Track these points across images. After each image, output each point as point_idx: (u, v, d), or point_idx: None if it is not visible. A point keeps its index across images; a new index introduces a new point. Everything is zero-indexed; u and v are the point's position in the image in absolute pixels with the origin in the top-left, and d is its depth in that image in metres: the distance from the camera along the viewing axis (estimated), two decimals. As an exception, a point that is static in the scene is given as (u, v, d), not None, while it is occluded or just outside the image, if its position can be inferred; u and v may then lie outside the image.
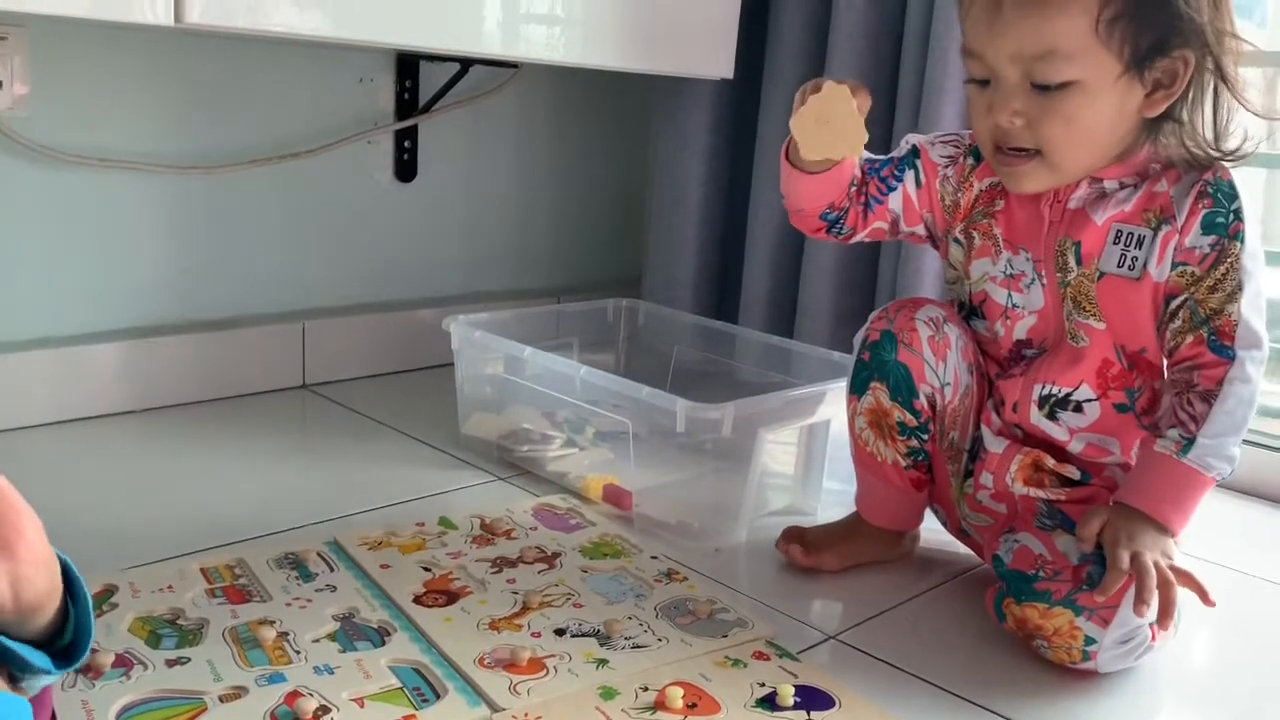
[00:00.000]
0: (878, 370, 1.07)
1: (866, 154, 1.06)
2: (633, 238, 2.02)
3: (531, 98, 1.85)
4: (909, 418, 1.06)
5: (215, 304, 1.56)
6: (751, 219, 1.72)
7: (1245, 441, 1.41)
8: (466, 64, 1.65)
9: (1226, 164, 0.94)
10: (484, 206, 1.83)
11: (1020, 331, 1.03)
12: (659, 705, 0.82)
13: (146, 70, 1.43)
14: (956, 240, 1.07)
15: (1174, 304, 0.94)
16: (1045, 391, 1.00)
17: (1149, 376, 0.99)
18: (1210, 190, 0.93)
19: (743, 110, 1.76)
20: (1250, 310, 0.92)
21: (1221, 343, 0.92)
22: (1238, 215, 0.92)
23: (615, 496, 1.22)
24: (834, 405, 1.18)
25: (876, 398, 1.07)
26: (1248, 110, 0.93)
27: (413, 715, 0.79)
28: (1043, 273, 1.00)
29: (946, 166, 1.06)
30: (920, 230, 1.09)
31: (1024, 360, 1.03)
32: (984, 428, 1.05)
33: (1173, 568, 0.87)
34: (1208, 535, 1.21)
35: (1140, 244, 0.95)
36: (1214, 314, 0.92)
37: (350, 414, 1.52)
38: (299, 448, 1.39)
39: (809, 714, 0.82)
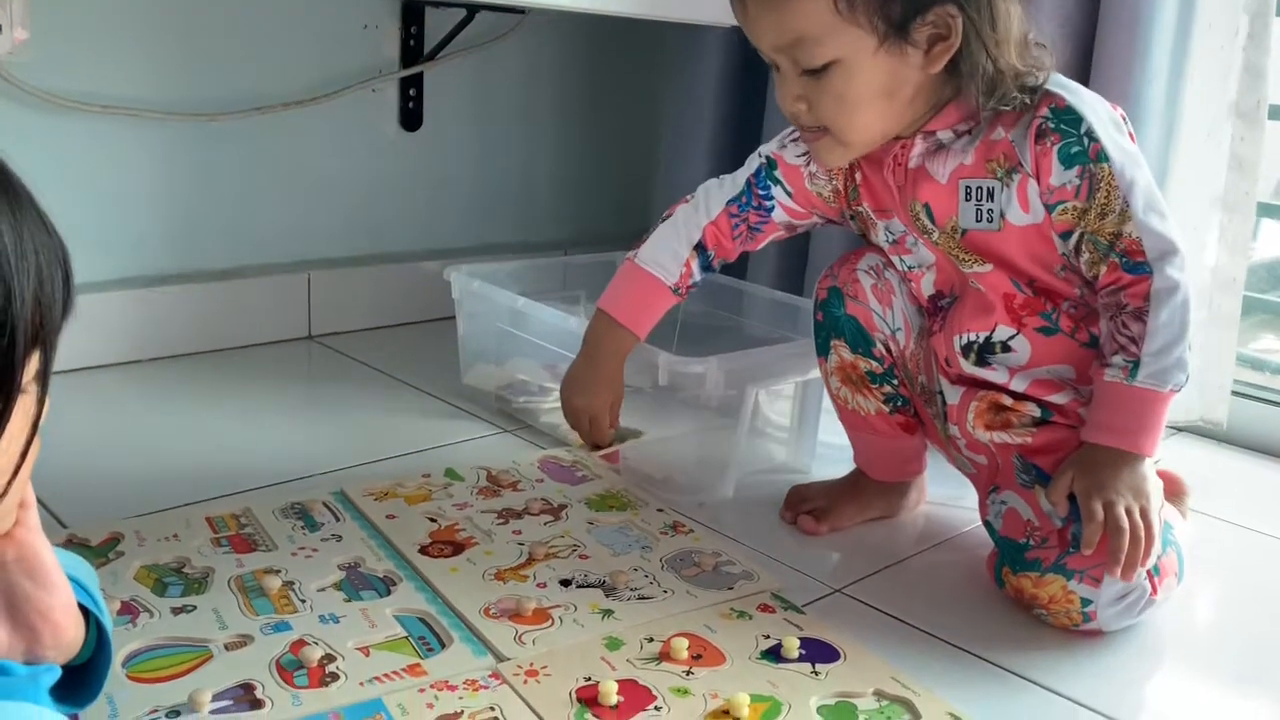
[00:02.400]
0: (832, 328, 1.08)
1: (724, 191, 1.09)
2: (641, 189, 1.99)
3: (539, 44, 1.82)
4: (874, 365, 1.07)
5: (219, 254, 1.55)
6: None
7: (1244, 396, 1.43)
8: (472, 9, 1.62)
9: (1054, 91, 0.91)
10: (490, 156, 1.81)
11: (928, 287, 1.04)
12: (664, 656, 0.82)
13: (148, 16, 1.41)
14: (853, 220, 1.08)
15: (1072, 240, 0.92)
16: (965, 340, 0.99)
17: (1058, 297, 0.97)
18: (1051, 125, 0.90)
19: (754, 59, 1.72)
20: (1148, 218, 0.90)
21: (1134, 261, 0.90)
22: (1091, 136, 0.90)
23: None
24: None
25: (840, 354, 1.08)
26: (1036, 43, 0.92)
27: (418, 664, 0.79)
28: (916, 233, 1.00)
29: (808, 164, 1.06)
30: (819, 221, 1.10)
31: (941, 312, 1.03)
32: (940, 379, 1.04)
33: (1144, 512, 0.86)
34: (1211, 491, 1.21)
35: (991, 196, 0.94)
36: (1115, 238, 0.90)
37: (356, 365, 1.52)
38: (304, 399, 1.38)
39: (814, 666, 0.82)
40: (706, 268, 1.11)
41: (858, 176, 1.03)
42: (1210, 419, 1.39)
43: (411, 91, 1.68)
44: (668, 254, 1.10)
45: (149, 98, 1.42)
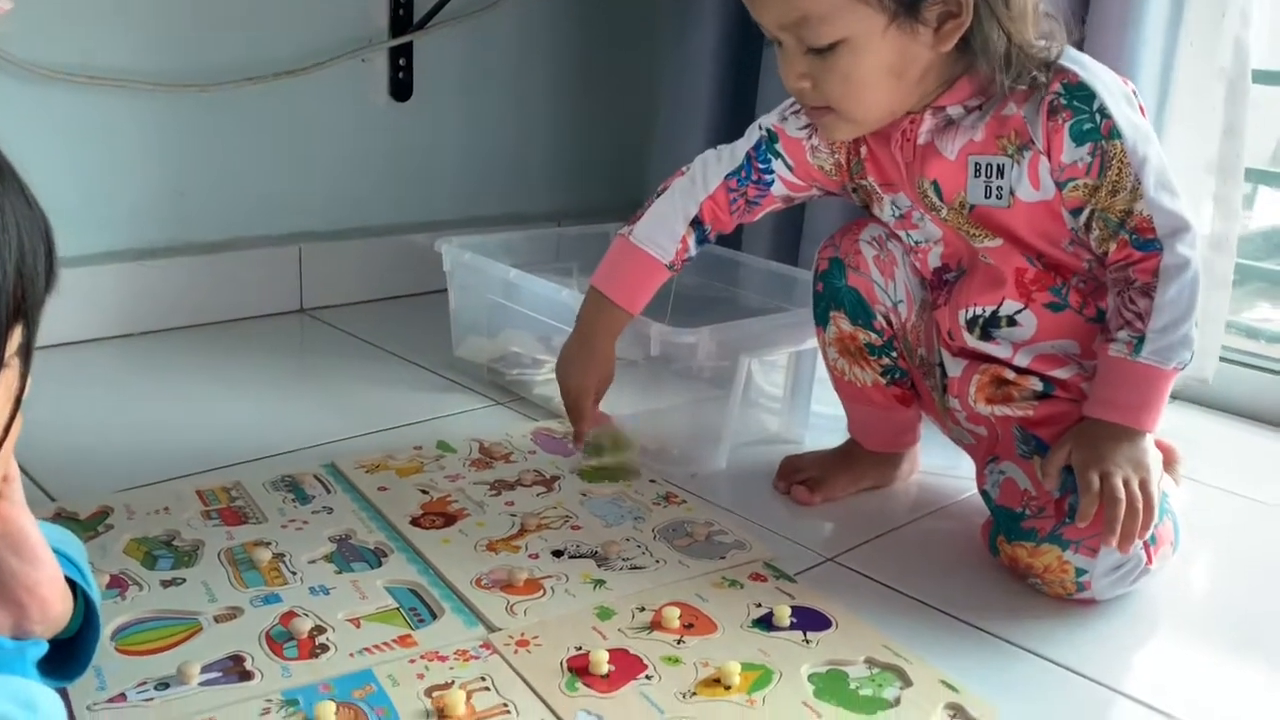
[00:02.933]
0: (832, 299, 1.07)
1: (723, 165, 1.07)
2: (636, 159, 1.98)
3: (530, 13, 1.80)
4: (874, 337, 1.06)
5: (209, 226, 1.53)
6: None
7: (1244, 365, 1.43)
8: (462, -22, 1.60)
9: (1067, 66, 0.90)
10: (482, 127, 1.80)
11: (934, 260, 1.02)
12: (655, 625, 0.82)
13: (132, -16, 1.39)
14: (854, 193, 1.06)
15: (1082, 216, 0.91)
16: (970, 314, 0.98)
17: (1066, 272, 0.96)
18: (1063, 101, 0.89)
19: (751, 27, 1.70)
20: (1159, 196, 0.88)
21: (1144, 239, 0.89)
22: (1103, 113, 0.88)
23: (597, 421, 1.20)
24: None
25: (839, 325, 1.07)
26: (1046, 14, 0.90)
27: (409, 635, 0.79)
28: (923, 209, 0.99)
29: (810, 137, 1.04)
30: (817, 193, 1.09)
31: (946, 285, 1.02)
32: (942, 351, 1.03)
33: (1144, 485, 0.86)
34: (1208, 459, 1.21)
35: (1001, 173, 0.93)
36: (1125, 216, 0.89)
37: (348, 338, 1.51)
38: (296, 372, 1.38)
39: (805, 634, 0.82)
40: (702, 241, 1.09)
41: (863, 151, 1.01)
42: (1197, 377, 1.39)
43: (401, 61, 1.66)
44: (664, 232, 1.08)
45: (136, 68, 1.41)
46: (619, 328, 1.10)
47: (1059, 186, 0.91)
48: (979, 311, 0.98)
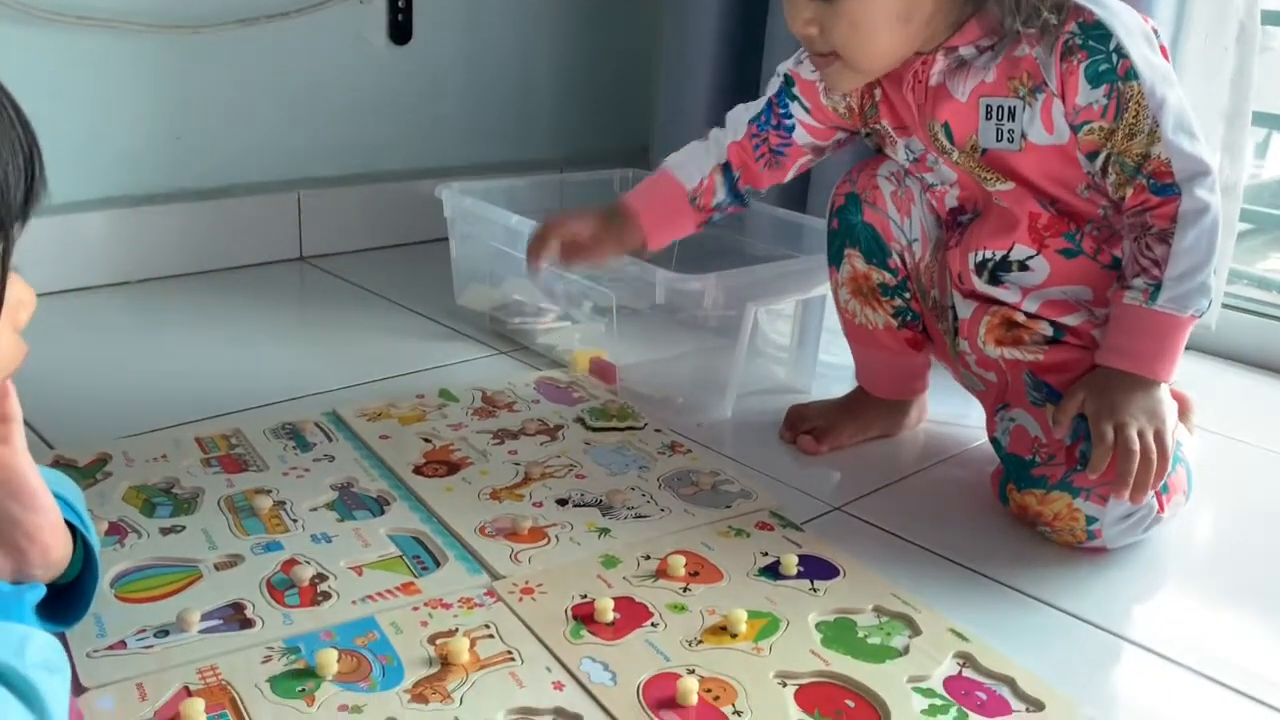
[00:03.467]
0: (847, 235, 1.05)
1: (749, 110, 1.07)
2: (640, 105, 1.94)
3: (532, -45, 1.76)
4: (887, 277, 1.04)
5: (207, 172, 1.51)
6: (764, 86, 1.65)
7: (1254, 313, 1.41)
8: (462, -84, 1.56)
9: (1084, 4, 0.87)
10: (483, 71, 1.76)
11: (950, 201, 1.01)
12: (661, 573, 0.81)
13: (123, -79, 1.35)
14: (868, 137, 1.05)
15: (1098, 161, 0.89)
16: (980, 258, 0.97)
17: (1080, 219, 0.94)
18: (1079, 42, 0.86)
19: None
20: (1178, 139, 0.86)
21: (1162, 183, 0.87)
22: (1120, 53, 0.86)
23: (601, 370, 1.19)
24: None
25: (852, 264, 1.05)
26: None
27: (412, 583, 0.78)
28: (935, 152, 0.98)
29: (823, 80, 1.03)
30: (843, 138, 1.07)
31: (960, 227, 1.00)
32: (953, 294, 1.01)
33: (1158, 435, 0.84)
34: (1218, 408, 1.19)
35: (1013, 115, 0.91)
36: (1143, 160, 0.87)
37: (348, 286, 1.49)
38: (296, 320, 1.36)
39: (813, 583, 0.81)
40: (733, 191, 1.08)
41: (876, 94, 1.00)
42: (1201, 323, 1.38)
43: (401, 3, 1.62)
44: (693, 165, 1.08)
45: (128, 9, 1.37)
46: (623, 227, 1.05)
47: (1074, 130, 0.89)
48: (988, 255, 0.96)
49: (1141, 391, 0.87)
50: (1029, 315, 0.96)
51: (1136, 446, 0.83)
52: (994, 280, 0.96)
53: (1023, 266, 0.95)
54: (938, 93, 0.93)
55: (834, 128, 1.06)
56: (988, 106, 0.92)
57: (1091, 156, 0.90)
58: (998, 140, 0.92)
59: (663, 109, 1.77)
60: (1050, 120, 0.89)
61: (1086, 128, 0.88)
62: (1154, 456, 0.84)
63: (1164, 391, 0.88)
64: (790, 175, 1.09)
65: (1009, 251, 0.95)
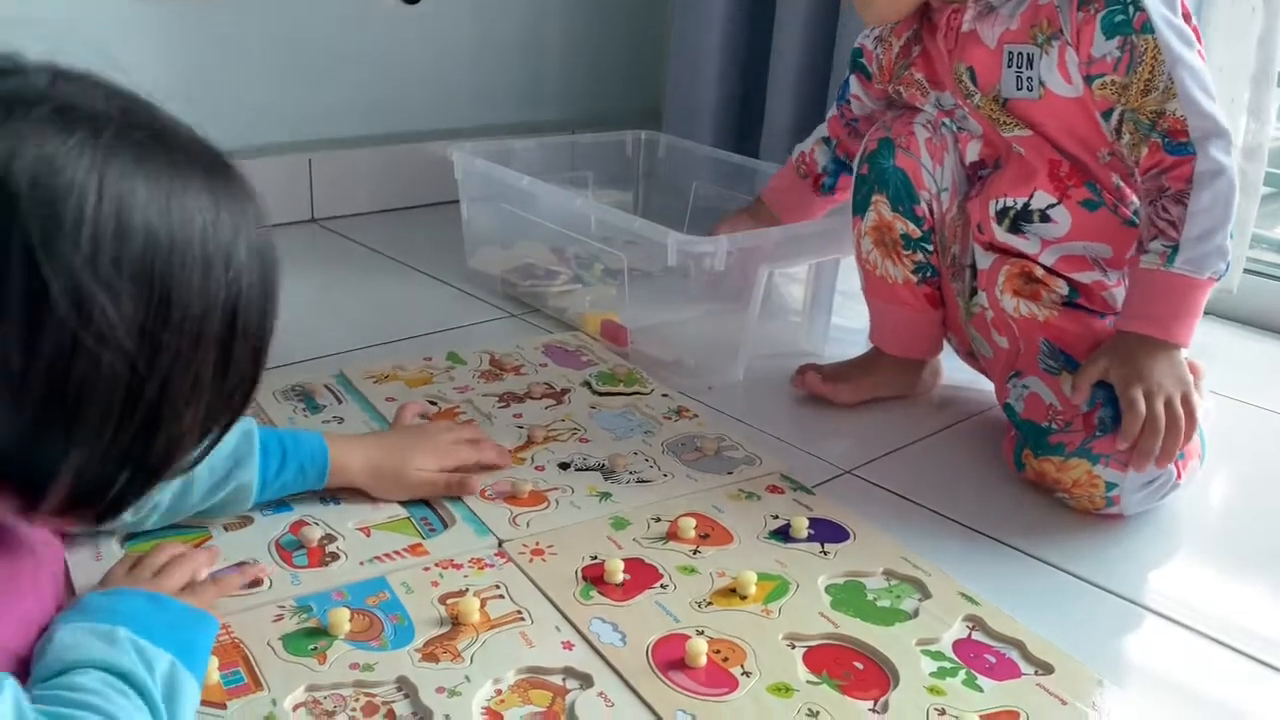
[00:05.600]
0: (877, 180, 1.04)
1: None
2: (651, 67, 1.92)
3: (543, -88, 1.73)
4: (912, 228, 1.03)
5: (217, 133, 1.47)
6: (776, 46, 1.63)
7: (1272, 278, 1.39)
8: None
9: None
10: (494, 31, 1.74)
11: (972, 154, 1.01)
12: (671, 536, 0.81)
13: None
14: (897, 95, 1.07)
15: (1113, 119, 0.88)
16: (1000, 206, 0.96)
17: (1104, 175, 0.93)
18: None
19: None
20: (1195, 95, 0.85)
21: (1176, 142, 0.85)
22: (1137, 6, 0.85)
23: (613, 333, 1.19)
24: (844, 242, 1.12)
25: (879, 212, 1.04)
26: None
27: (419, 544, 0.78)
28: (960, 98, 0.98)
29: (876, 46, 1.07)
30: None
31: (980, 180, 1.00)
32: (974, 245, 1.00)
33: (1185, 400, 0.84)
34: (1235, 372, 1.18)
35: (1031, 63, 0.91)
36: (1157, 117, 0.86)
37: (360, 248, 1.49)
38: (307, 282, 1.36)
39: (823, 546, 0.81)
40: (835, 160, 1.16)
41: (915, 51, 1.01)
42: (1223, 288, 1.36)
43: (410, -38, 1.60)
44: (806, 142, 1.19)
45: (135, -32, 1.36)
46: (759, 216, 1.20)
47: (1087, 82, 0.88)
48: (1009, 203, 0.95)
49: (1164, 356, 0.86)
50: (1047, 270, 0.95)
51: (1163, 420, 0.82)
52: (1015, 229, 0.96)
53: (1044, 217, 0.94)
54: (968, 38, 0.95)
55: (883, 97, 1.10)
56: (1010, 54, 0.92)
57: (1106, 115, 0.89)
58: (1018, 89, 0.92)
59: (674, 69, 1.75)
60: (1066, 70, 0.89)
61: (1099, 81, 0.87)
62: (1182, 423, 0.83)
63: (1183, 357, 0.87)
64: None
65: (1030, 199, 0.94)
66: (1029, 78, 0.91)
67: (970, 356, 1.09)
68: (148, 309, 0.46)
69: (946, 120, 1.01)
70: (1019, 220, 0.95)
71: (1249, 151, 1.32)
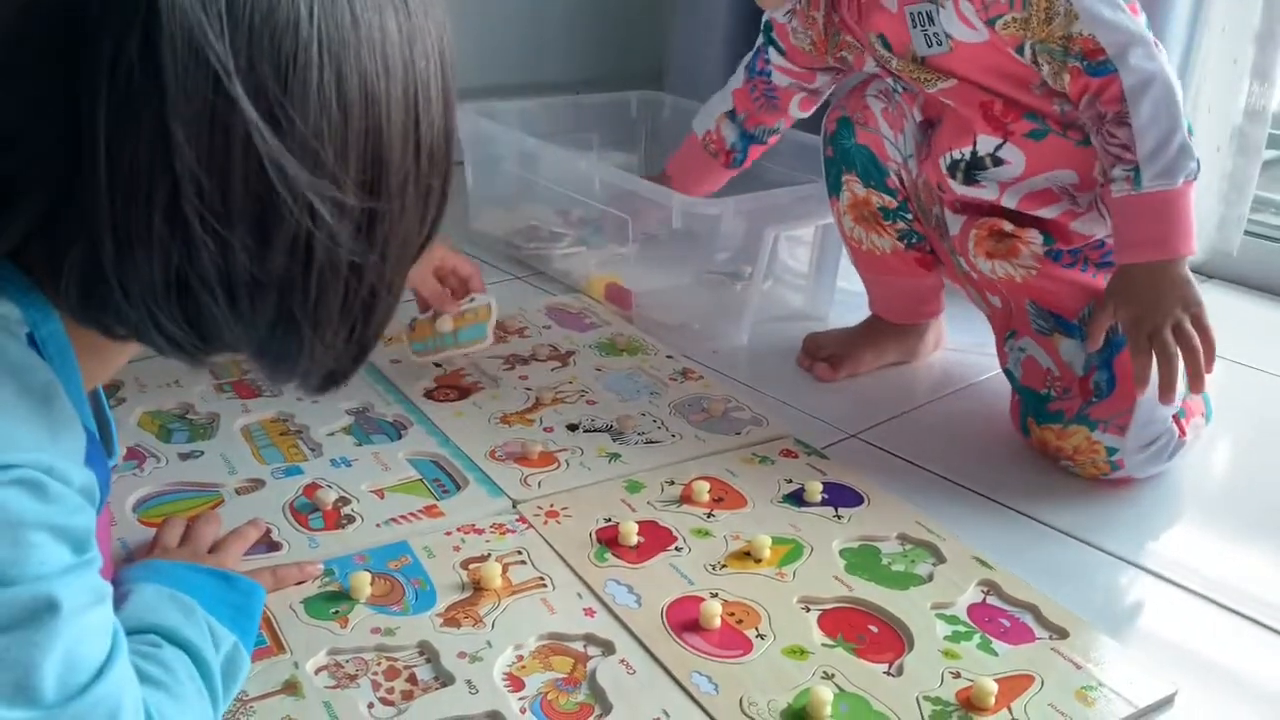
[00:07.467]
0: (843, 160, 1.04)
1: (747, 58, 1.13)
2: (655, 26, 1.90)
3: None
4: (888, 200, 1.03)
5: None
6: (778, 5, 1.61)
7: (1275, 240, 1.39)
8: None
9: None
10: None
11: (917, 114, 1.01)
12: (684, 499, 0.81)
13: None
14: (841, 65, 1.06)
15: (1026, 53, 0.87)
16: (950, 160, 0.95)
17: (1041, 104, 0.91)
18: None
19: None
20: (1096, 10, 0.83)
21: (1095, 62, 0.83)
22: None
23: (617, 296, 1.18)
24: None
25: (851, 190, 1.04)
26: None
27: (434, 505, 0.78)
28: (883, 67, 0.99)
29: (790, 19, 1.05)
30: (827, 80, 1.11)
31: (928, 139, 1.00)
32: (945, 211, 0.99)
33: (1197, 320, 0.81)
34: (1238, 336, 1.18)
35: (932, 19, 0.90)
36: (1067, 42, 0.84)
37: (358, 210, 1.47)
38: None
39: (837, 510, 0.81)
40: (743, 134, 1.15)
41: (835, 18, 1.01)
42: (1222, 249, 1.37)
43: (408, -83, 1.57)
44: (707, 116, 1.16)
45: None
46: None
47: (990, 25, 0.87)
48: (957, 155, 0.94)
49: (1167, 279, 0.83)
50: (1011, 215, 0.93)
51: (1175, 350, 0.80)
52: (969, 180, 0.95)
53: (996, 160, 0.93)
54: (870, 6, 0.95)
55: (810, 68, 1.08)
56: (911, 15, 0.91)
57: (1020, 50, 0.87)
58: (929, 46, 0.92)
59: (678, 30, 1.73)
60: (965, 19, 0.88)
61: (1000, 21, 0.86)
62: (1197, 343, 0.81)
63: (1187, 267, 0.84)
64: (797, 112, 1.14)
65: (975, 146, 0.93)
66: (935, 34, 0.90)
67: None
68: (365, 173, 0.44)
69: (890, 80, 1.01)
70: (971, 170, 0.94)
71: (1253, 114, 1.32)
